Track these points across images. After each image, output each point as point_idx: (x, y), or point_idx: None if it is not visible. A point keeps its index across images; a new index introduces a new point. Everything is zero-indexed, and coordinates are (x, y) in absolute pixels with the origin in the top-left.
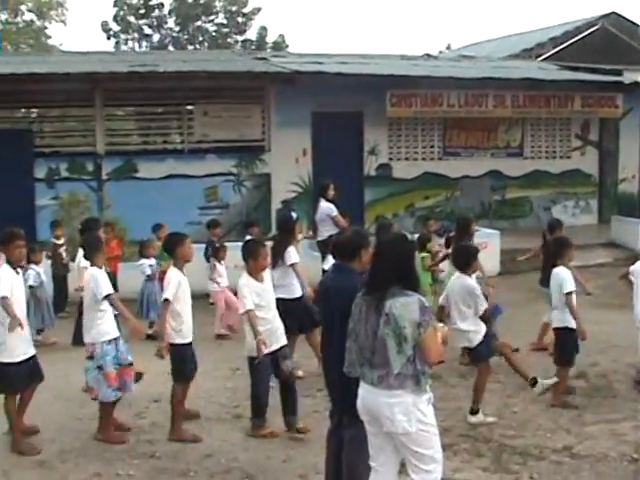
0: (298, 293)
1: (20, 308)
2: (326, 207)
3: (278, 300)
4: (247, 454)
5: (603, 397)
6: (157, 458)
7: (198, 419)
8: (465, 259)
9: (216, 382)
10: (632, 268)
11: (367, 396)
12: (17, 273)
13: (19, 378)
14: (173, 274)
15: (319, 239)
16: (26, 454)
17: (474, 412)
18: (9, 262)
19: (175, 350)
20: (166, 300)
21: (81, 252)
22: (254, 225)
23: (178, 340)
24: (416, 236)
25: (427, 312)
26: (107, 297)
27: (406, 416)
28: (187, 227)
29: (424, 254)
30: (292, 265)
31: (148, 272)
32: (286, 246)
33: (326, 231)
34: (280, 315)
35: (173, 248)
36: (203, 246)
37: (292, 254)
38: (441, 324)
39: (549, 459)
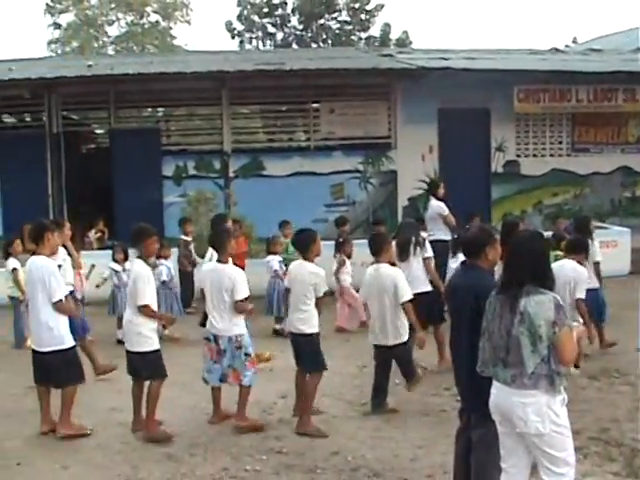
0: (425, 287)
1: (154, 302)
2: (437, 206)
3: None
4: (374, 452)
5: None
6: (284, 454)
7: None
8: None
9: (343, 379)
10: None
11: (500, 395)
12: (151, 268)
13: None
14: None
15: (430, 238)
16: (160, 441)
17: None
18: (140, 257)
19: (312, 340)
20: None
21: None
22: (380, 223)
23: (312, 330)
24: (550, 234)
25: (562, 311)
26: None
27: (539, 417)
28: (313, 224)
29: (558, 252)
30: (426, 259)
31: (276, 268)
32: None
33: (437, 230)
34: None
35: (307, 244)
36: (329, 243)
37: (428, 248)
38: (576, 323)
39: None
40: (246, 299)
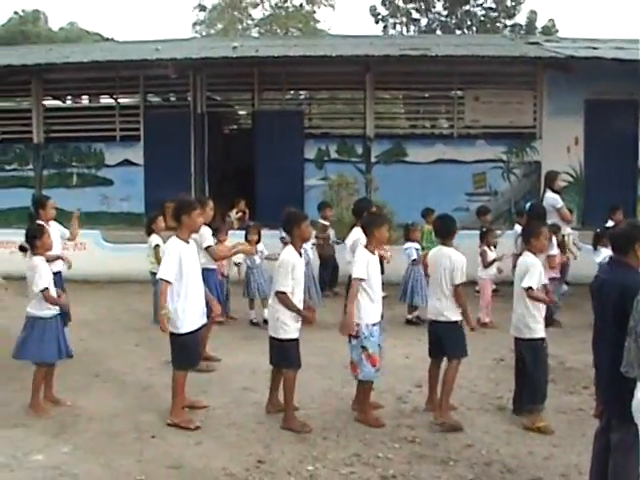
0: None
1: (294, 290)
2: (552, 198)
3: None
4: (509, 447)
5: None
6: (417, 444)
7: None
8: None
9: (479, 372)
10: None
11: None
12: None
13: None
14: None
15: None
16: (297, 432)
17: None
18: (292, 243)
19: (453, 327)
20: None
21: (355, 233)
22: (522, 215)
23: (456, 317)
24: None
25: None
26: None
27: None
28: (454, 213)
29: None
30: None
31: (414, 256)
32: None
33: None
34: None
35: (448, 230)
36: (470, 233)
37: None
38: None
39: None
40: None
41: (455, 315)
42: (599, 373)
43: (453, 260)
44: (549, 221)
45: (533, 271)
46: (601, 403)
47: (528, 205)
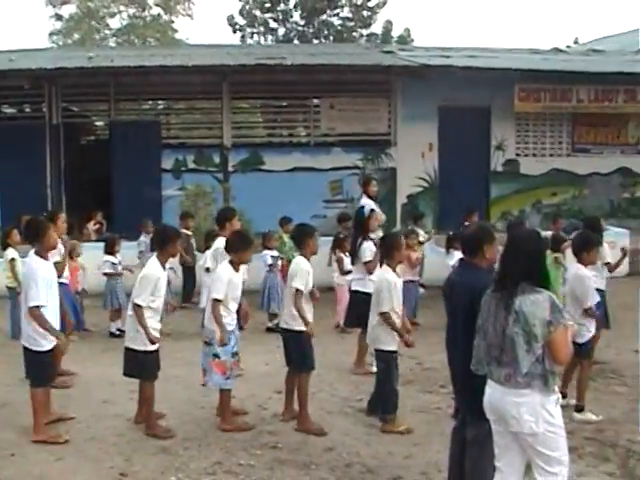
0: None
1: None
2: (365, 204)
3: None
4: (369, 449)
5: None
6: (279, 449)
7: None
8: (585, 246)
9: (339, 375)
10: None
11: (494, 395)
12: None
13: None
14: (305, 264)
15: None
16: (161, 437)
17: (579, 409)
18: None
19: (300, 339)
20: (298, 291)
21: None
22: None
23: (300, 328)
24: (549, 234)
25: (557, 310)
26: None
27: (533, 416)
28: (312, 220)
29: (557, 254)
30: (367, 263)
31: (270, 263)
32: (360, 242)
33: None
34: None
35: (304, 239)
36: (328, 239)
37: (364, 251)
38: (571, 322)
39: None
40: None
41: (297, 325)
42: (453, 372)
43: (294, 268)
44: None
45: (385, 295)
46: (457, 401)
47: None
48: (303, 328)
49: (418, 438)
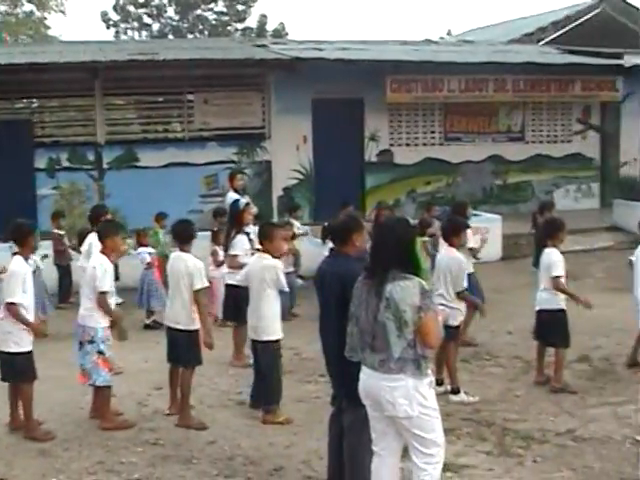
0: None
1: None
2: (230, 197)
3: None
4: (250, 440)
5: (606, 380)
6: (160, 445)
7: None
8: (453, 230)
9: (219, 368)
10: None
11: (368, 380)
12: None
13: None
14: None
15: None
16: (41, 440)
17: (454, 391)
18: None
19: (191, 335)
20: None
21: (90, 238)
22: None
23: (194, 326)
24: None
25: (427, 296)
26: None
27: (407, 400)
28: (189, 215)
29: (425, 238)
30: (233, 256)
31: (148, 259)
32: (233, 235)
33: None
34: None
35: (185, 235)
36: (205, 234)
37: (236, 244)
38: (441, 307)
39: (552, 442)
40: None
41: (192, 324)
42: (328, 359)
43: (190, 266)
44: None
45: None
46: (333, 388)
47: None
48: (196, 327)
49: (298, 427)
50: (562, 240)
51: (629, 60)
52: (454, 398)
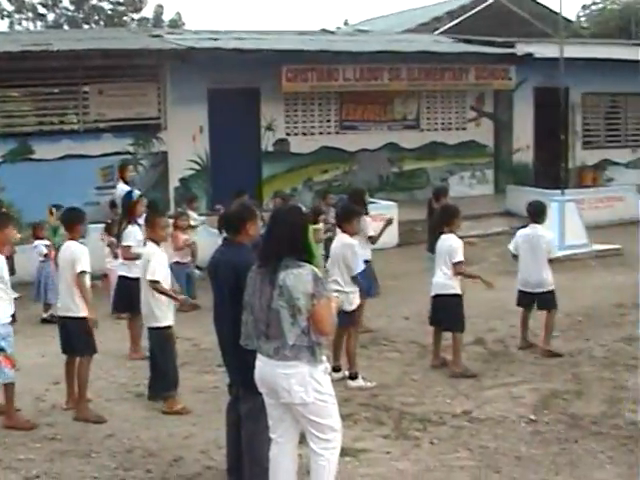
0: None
1: None
2: (121, 189)
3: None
4: (149, 432)
5: (501, 362)
6: (58, 441)
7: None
8: (346, 217)
9: (117, 361)
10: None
11: (264, 368)
12: None
13: None
14: (78, 247)
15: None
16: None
17: (353, 377)
18: None
19: (81, 323)
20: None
21: None
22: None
23: (82, 313)
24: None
25: (320, 283)
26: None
27: (303, 386)
28: (85, 207)
29: (317, 226)
30: (126, 247)
31: (45, 252)
32: (125, 226)
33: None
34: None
35: (72, 223)
36: (98, 226)
37: (128, 235)
38: (335, 294)
39: (449, 424)
40: None
41: (80, 311)
42: (224, 348)
43: (73, 251)
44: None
45: (153, 264)
46: (229, 377)
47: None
48: (85, 314)
49: (197, 418)
50: (459, 226)
51: (521, 49)
52: (352, 384)
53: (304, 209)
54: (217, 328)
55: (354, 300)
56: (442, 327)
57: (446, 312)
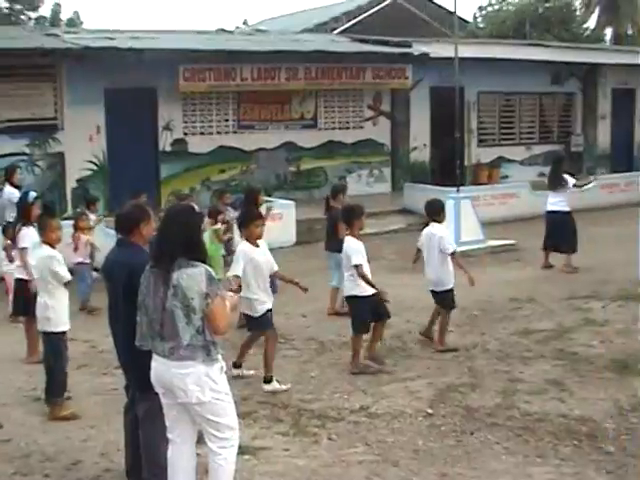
0: None
1: None
2: (9, 192)
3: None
4: (46, 436)
5: (398, 357)
6: None
7: None
8: (246, 221)
9: (13, 365)
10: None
11: (160, 368)
12: None
13: None
14: None
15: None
16: None
17: (267, 380)
18: None
19: None
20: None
21: None
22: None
23: None
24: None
25: (214, 282)
26: None
27: (199, 386)
28: None
29: (215, 227)
30: (22, 249)
31: None
32: (19, 228)
33: (9, 216)
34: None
35: None
36: None
37: (23, 237)
38: (231, 293)
39: (347, 419)
40: None
41: None
42: (119, 350)
43: None
44: (7, 215)
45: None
46: (125, 378)
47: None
48: None
49: (96, 420)
50: (361, 227)
51: (418, 48)
52: (267, 387)
53: (197, 208)
54: (112, 329)
55: (258, 307)
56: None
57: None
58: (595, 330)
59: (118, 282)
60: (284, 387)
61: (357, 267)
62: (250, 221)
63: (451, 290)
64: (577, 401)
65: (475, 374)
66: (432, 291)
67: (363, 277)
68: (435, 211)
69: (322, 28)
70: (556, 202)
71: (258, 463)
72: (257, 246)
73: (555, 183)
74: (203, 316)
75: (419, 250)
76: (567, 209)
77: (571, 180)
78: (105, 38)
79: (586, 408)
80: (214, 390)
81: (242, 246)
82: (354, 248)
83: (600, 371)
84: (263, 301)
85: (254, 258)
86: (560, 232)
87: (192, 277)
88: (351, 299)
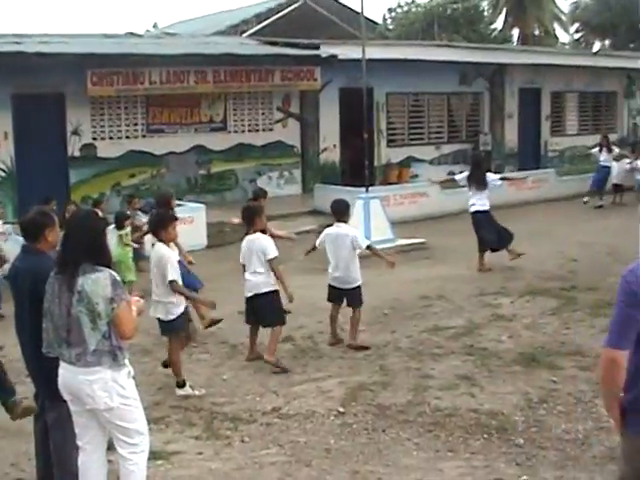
0: None
1: None
2: None
3: None
4: None
5: (309, 358)
6: None
7: None
8: (157, 224)
9: None
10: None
11: (67, 375)
12: None
13: None
14: None
15: None
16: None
17: (180, 385)
18: None
19: None
20: None
21: None
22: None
23: None
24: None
25: (119, 287)
26: None
27: (106, 392)
28: None
29: (123, 231)
30: None
31: None
32: None
33: None
34: None
35: None
36: None
37: None
38: (137, 298)
39: (259, 421)
40: None
41: None
42: (26, 358)
43: None
44: None
45: None
46: (34, 386)
47: None
48: None
49: (6, 430)
50: (263, 226)
51: (326, 50)
52: (180, 392)
53: (100, 214)
54: (19, 338)
55: (172, 310)
56: (263, 324)
57: (265, 309)
58: (504, 325)
59: (23, 289)
60: (197, 392)
61: (272, 260)
62: (168, 223)
63: (360, 286)
64: (487, 395)
65: (387, 372)
66: (337, 289)
67: (275, 272)
68: (341, 211)
69: (233, 31)
70: (482, 202)
71: (171, 467)
72: (173, 249)
73: (481, 183)
74: (109, 321)
75: (314, 248)
76: (489, 207)
77: (495, 176)
78: (12, 42)
79: (496, 402)
80: (122, 395)
81: (163, 250)
82: (266, 243)
83: (509, 365)
84: (178, 304)
85: (174, 262)
86: (489, 230)
87: (96, 282)
88: (266, 295)
